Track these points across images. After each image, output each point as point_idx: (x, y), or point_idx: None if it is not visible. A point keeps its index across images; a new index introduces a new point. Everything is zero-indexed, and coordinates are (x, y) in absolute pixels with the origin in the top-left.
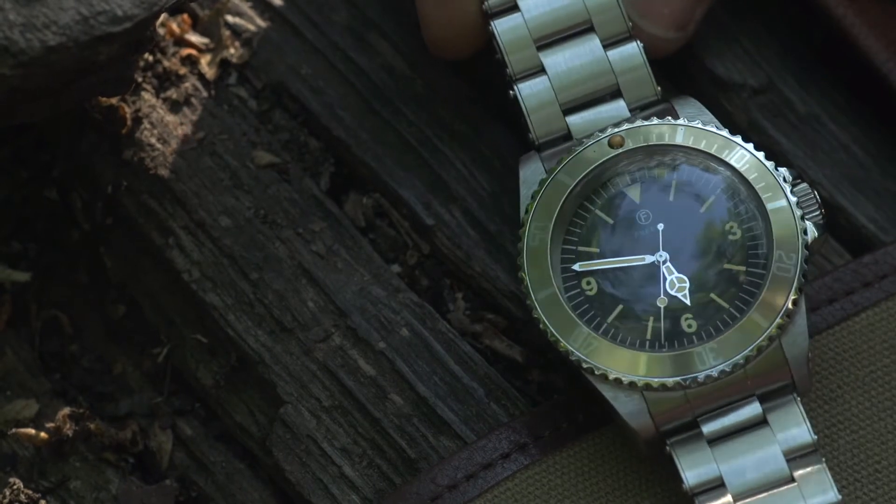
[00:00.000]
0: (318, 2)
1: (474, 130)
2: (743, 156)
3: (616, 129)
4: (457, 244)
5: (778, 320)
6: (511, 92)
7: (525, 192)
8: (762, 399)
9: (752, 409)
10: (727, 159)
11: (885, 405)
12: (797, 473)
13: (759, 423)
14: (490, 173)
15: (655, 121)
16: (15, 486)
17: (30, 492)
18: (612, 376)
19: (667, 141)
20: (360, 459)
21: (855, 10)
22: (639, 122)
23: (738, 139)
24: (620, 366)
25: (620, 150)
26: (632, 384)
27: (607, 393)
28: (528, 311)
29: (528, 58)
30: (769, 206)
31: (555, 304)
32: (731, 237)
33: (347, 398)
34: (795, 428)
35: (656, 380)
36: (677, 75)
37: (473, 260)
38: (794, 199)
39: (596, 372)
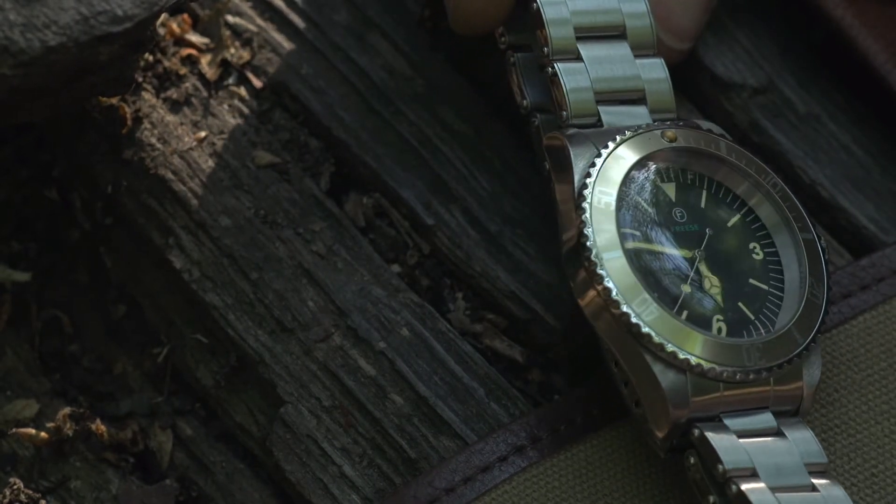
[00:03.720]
0: (319, 2)
1: (474, 130)
2: (776, 183)
3: (669, 125)
4: (457, 244)
5: (810, 339)
6: (549, 69)
7: (579, 162)
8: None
9: (769, 419)
10: (765, 184)
11: (882, 409)
12: (821, 490)
13: (776, 433)
14: (490, 173)
15: (703, 128)
16: (15, 486)
17: (30, 492)
18: (669, 348)
19: (712, 150)
20: (361, 459)
21: (854, 11)
22: (687, 126)
23: (770, 168)
24: (678, 340)
25: (672, 145)
26: (686, 361)
27: (655, 366)
28: (588, 268)
29: (568, 41)
30: (802, 235)
31: (621, 266)
32: (755, 256)
33: (348, 398)
34: (811, 447)
35: (709, 363)
36: (677, 75)
37: (473, 260)
38: (818, 235)
39: (654, 339)
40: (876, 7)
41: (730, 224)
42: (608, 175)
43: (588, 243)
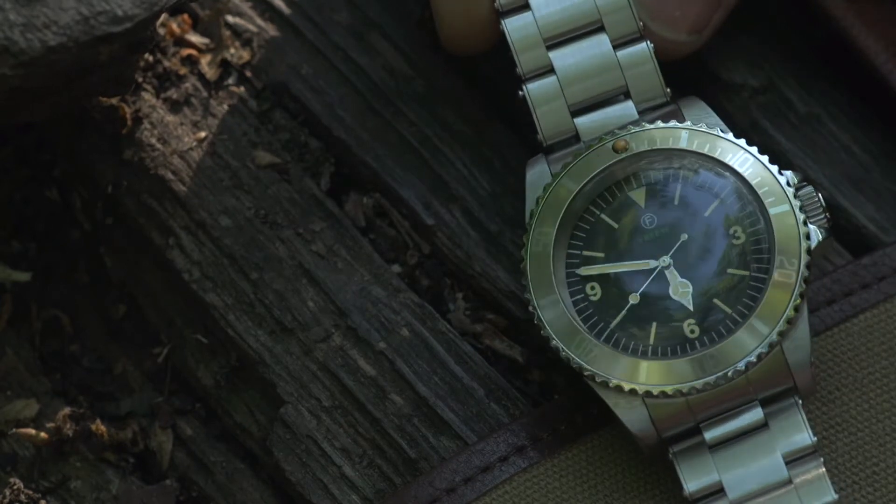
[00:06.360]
0: (319, 2)
1: (474, 130)
2: (746, 159)
3: (619, 134)
4: (457, 244)
5: (779, 327)
6: (520, 92)
7: (530, 196)
8: (764, 403)
9: (754, 415)
10: (730, 163)
11: (883, 407)
12: (795, 476)
13: (761, 426)
14: (490, 173)
15: (659, 124)
16: (15, 486)
17: (30, 492)
18: (612, 383)
19: (670, 145)
20: (361, 459)
21: (854, 10)
22: (642, 126)
23: (743, 142)
24: (621, 373)
25: (624, 155)
26: (632, 391)
27: (609, 400)
28: (530, 315)
29: (537, 57)
30: (772, 210)
31: (557, 311)
32: (734, 241)
33: (347, 398)
34: (795, 432)
35: (656, 387)
36: (678, 75)
37: (474, 260)
38: (797, 204)
39: (597, 379)
40: (876, 7)
41: (707, 214)
42: (551, 210)
43: (526, 294)
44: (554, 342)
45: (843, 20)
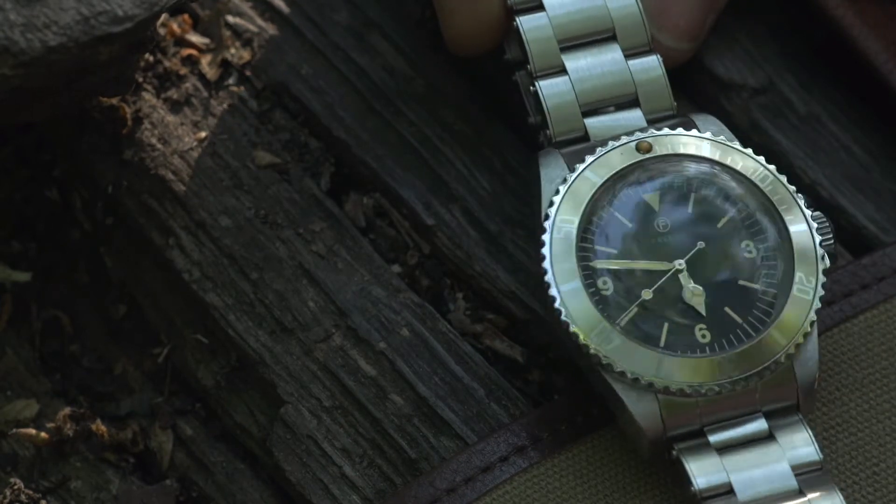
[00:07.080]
0: (319, 2)
1: (475, 130)
2: (767, 177)
3: (645, 135)
4: (457, 244)
5: (796, 339)
6: (531, 87)
7: (548, 187)
8: (767, 416)
9: (759, 425)
10: (752, 178)
11: (883, 408)
12: (808, 493)
13: (766, 437)
14: (490, 173)
15: (682, 131)
16: (15, 487)
17: (30, 492)
18: (630, 375)
19: (693, 152)
20: (361, 459)
21: (854, 10)
22: (666, 131)
23: (762, 160)
24: (639, 365)
25: (647, 156)
26: (650, 385)
27: (622, 392)
28: (549, 302)
29: (551, 56)
30: (792, 228)
31: (578, 298)
32: (747, 255)
33: (348, 398)
34: (803, 446)
35: (676, 383)
36: (678, 75)
37: (474, 260)
38: (814, 225)
39: (615, 369)
40: (876, 7)
41: (720, 224)
42: (573, 200)
43: (546, 277)
44: (574, 328)
45: (843, 20)
